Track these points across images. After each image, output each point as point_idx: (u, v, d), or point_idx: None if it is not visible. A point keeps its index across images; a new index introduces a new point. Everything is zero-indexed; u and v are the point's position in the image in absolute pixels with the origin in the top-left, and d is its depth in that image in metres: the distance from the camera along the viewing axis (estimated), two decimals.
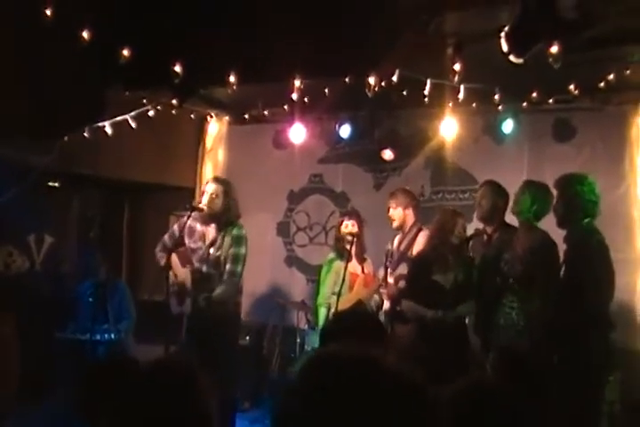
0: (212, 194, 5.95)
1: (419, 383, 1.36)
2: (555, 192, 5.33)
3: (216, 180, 6.26)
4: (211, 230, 6.01)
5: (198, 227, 6.02)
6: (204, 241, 6.01)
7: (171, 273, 5.92)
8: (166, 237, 6.17)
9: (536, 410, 2.73)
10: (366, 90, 5.21)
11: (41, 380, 6.54)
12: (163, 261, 5.97)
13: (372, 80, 5.16)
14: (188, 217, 5.91)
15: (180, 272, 5.95)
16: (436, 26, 5.00)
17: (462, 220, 5.93)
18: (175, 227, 6.18)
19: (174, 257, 5.94)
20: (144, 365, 2.55)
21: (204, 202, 5.95)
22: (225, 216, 5.97)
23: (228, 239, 5.92)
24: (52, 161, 6.67)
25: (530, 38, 4.27)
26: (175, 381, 2.31)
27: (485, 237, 5.95)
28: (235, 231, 5.95)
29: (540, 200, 5.44)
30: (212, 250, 5.95)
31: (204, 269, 5.96)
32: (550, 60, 3.92)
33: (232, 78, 5.00)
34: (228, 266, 5.90)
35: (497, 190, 5.92)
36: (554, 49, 3.87)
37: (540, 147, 7.30)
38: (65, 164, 6.94)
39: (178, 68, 4.64)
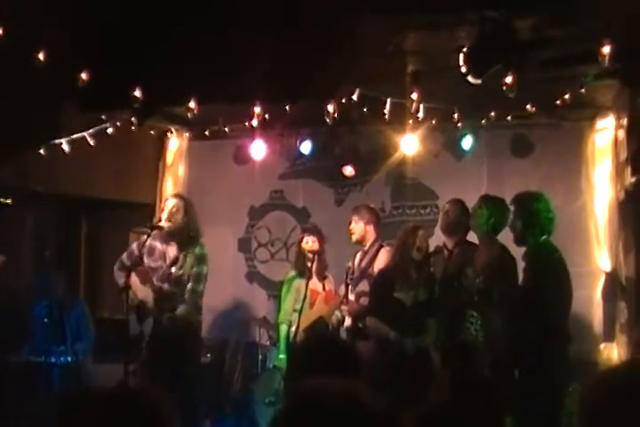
0: (171, 208, 5.94)
1: (395, 420, 1.37)
2: (512, 208, 5.38)
3: (176, 195, 6.30)
4: (171, 249, 5.97)
5: (158, 246, 5.98)
6: (165, 260, 5.97)
7: (130, 292, 5.87)
8: (125, 256, 6.11)
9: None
10: (325, 117, 5.24)
11: None
12: (121, 281, 5.92)
13: (330, 108, 5.18)
14: (148, 236, 5.87)
15: (141, 291, 5.90)
16: (396, 46, 5.04)
17: (423, 232, 5.96)
18: (134, 246, 6.13)
19: (133, 276, 5.89)
20: (102, 395, 2.53)
21: (164, 217, 5.93)
22: (185, 233, 5.94)
23: (190, 258, 5.91)
24: (5, 177, 6.57)
25: (487, 60, 4.34)
26: (135, 411, 2.29)
27: (446, 252, 6.00)
28: (197, 250, 5.95)
29: (497, 214, 5.50)
30: (173, 269, 5.92)
31: (166, 287, 5.93)
32: (505, 89, 3.98)
33: (192, 104, 4.99)
34: (189, 285, 5.89)
35: (463, 207, 5.99)
36: (508, 79, 3.93)
37: (499, 162, 7.40)
38: (19, 180, 6.83)
39: (137, 93, 4.62)
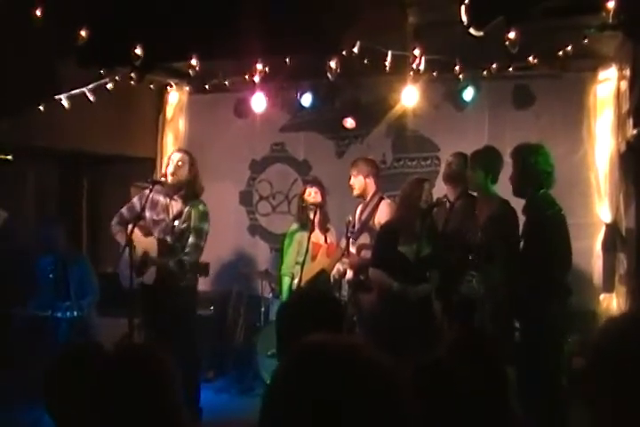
0: (177, 162, 5.93)
1: (395, 372, 1.38)
2: (510, 161, 5.37)
3: (180, 150, 6.26)
4: (175, 203, 5.98)
5: (161, 199, 5.99)
6: (168, 213, 5.98)
7: (126, 250, 5.87)
8: (125, 210, 6.11)
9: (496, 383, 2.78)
10: (327, 73, 5.19)
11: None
12: (119, 235, 5.95)
13: (332, 63, 5.13)
14: (151, 190, 5.87)
15: (143, 242, 5.93)
16: None
17: (428, 185, 5.88)
18: (135, 200, 6.13)
19: (137, 233, 5.89)
20: (107, 351, 2.57)
21: (169, 171, 5.92)
22: (190, 187, 5.96)
23: (195, 213, 5.93)
24: (5, 133, 6.54)
25: (489, 11, 4.28)
26: (138, 367, 2.33)
27: (448, 204, 6.00)
28: (200, 207, 5.97)
29: (490, 169, 5.50)
30: (176, 222, 5.94)
31: (169, 239, 5.96)
32: (508, 44, 3.94)
33: (193, 61, 4.95)
34: (191, 239, 5.92)
35: (466, 160, 5.97)
36: (511, 35, 3.88)
37: (500, 113, 7.37)
38: (19, 136, 6.80)
39: (138, 50, 4.57)
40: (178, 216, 5.96)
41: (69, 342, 6.06)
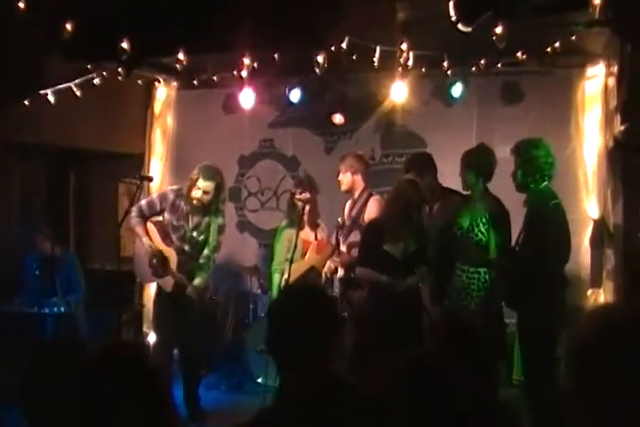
0: (204, 192, 5.94)
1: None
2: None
3: (208, 176, 5.95)
4: (196, 214, 6.08)
5: (182, 205, 6.04)
6: (188, 222, 6.05)
7: (145, 242, 5.98)
8: (144, 204, 6.11)
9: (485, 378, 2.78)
10: (315, 67, 5.18)
11: None
12: (139, 227, 5.99)
13: (320, 58, 5.13)
14: (141, 187, 5.95)
15: (163, 248, 6.03)
16: None
17: (419, 189, 5.85)
18: (155, 198, 6.19)
19: (153, 229, 6.04)
20: (92, 350, 2.53)
21: (196, 195, 5.92)
22: (212, 207, 6.04)
23: (214, 226, 6.05)
24: None
25: (477, 7, 4.29)
26: (131, 369, 2.30)
27: (427, 208, 6.02)
28: (220, 220, 6.09)
29: (483, 168, 5.51)
30: (195, 233, 6.05)
31: (186, 248, 6.06)
32: (495, 39, 3.94)
33: (181, 55, 4.93)
34: (206, 251, 6.06)
35: (416, 172, 5.95)
36: (498, 30, 3.89)
37: (489, 109, 7.38)
38: (5, 132, 6.76)
39: (125, 44, 4.55)
40: (196, 226, 6.05)
41: (47, 341, 6.03)
